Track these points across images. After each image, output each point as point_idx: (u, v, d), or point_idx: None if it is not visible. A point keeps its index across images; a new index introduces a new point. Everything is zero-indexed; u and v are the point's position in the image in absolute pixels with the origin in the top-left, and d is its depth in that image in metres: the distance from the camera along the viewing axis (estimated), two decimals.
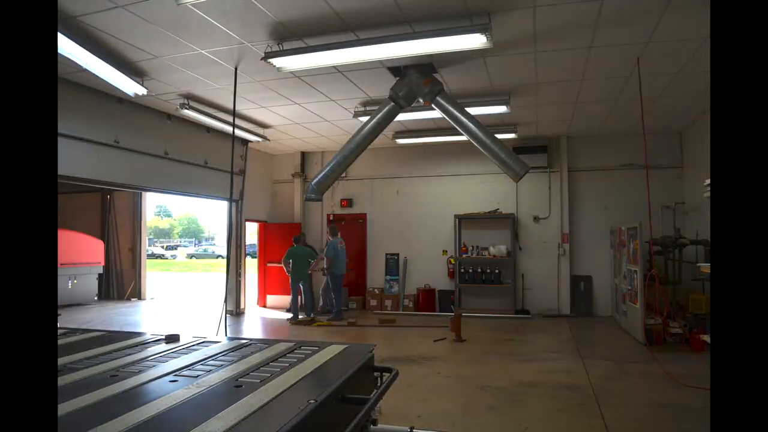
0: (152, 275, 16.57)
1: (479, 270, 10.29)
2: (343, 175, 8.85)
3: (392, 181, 11.32)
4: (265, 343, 2.60)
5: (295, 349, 2.46)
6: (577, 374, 5.59)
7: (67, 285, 11.62)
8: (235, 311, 10.47)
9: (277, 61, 5.62)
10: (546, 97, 7.67)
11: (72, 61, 5.48)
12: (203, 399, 1.65)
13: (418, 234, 11.03)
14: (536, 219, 10.39)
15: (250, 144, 10.59)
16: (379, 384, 2.32)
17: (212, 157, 9.63)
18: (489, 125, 7.92)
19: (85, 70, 5.85)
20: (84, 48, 5.31)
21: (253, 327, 9.46)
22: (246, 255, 12.05)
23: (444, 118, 6.67)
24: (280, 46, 5.52)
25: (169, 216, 63.43)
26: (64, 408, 1.51)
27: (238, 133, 8.96)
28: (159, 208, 61.45)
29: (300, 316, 9.61)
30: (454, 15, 4.90)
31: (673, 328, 7.15)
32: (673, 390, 4.96)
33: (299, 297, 9.77)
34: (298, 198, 11.82)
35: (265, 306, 11.67)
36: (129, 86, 6.46)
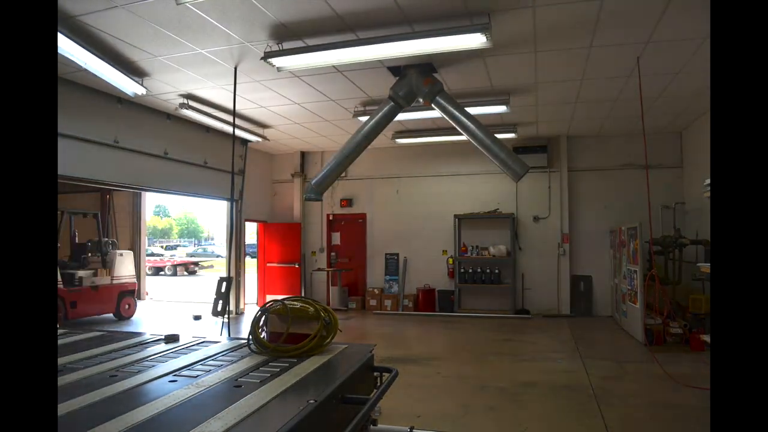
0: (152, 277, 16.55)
1: (479, 270, 10.29)
2: (343, 174, 8.86)
3: (392, 181, 11.32)
4: None
5: None
6: (577, 374, 5.59)
7: None
8: (234, 311, 10.47)
9: (276, 61, 5.62)
10: (546, 97, 7.67)
11: (72, 60, 5.49)
12: (203, 399, 1.65)
13: (418, 234, 11.02)
14: (536, 219, 10.39)
15: (249, 144, 10.58)
16: (379, 384, 2.32)
17: (212, 157, 9.62)
18: (489, 125, 7.91)
19: (85, 69, 5.85)
20: (84, 48, 5.31)
21: None
22: (245, 255, 12.04)
23: (444, 118, 6.67)
24: (280, 45, 5.52)
25: (168, 216, 63.33)
26: (64, 408, 1.51)
27: (238, 133, 8.96)
28: (158, 208, 61.34)
29: None
30: (453, 15, 4.90)
31: (673, 328, 7.15)
32: (673, 390, 4.96)
33: None
34: (297, 198, 11.82)
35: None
36: (129, 86, 6.47)
